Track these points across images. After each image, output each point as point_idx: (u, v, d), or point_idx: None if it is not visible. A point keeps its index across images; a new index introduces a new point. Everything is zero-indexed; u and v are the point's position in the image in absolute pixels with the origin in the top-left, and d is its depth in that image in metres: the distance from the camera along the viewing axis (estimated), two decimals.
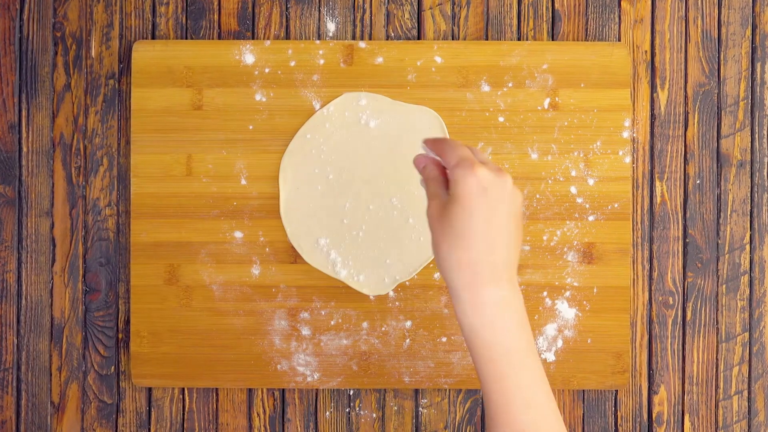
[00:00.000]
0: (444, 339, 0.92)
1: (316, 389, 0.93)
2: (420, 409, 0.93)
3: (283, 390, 0.93)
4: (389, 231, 0.92)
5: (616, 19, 0.94)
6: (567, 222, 0.92)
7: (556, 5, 0.94)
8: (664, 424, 0.93)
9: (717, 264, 0.94)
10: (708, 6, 0.94)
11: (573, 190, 0.92)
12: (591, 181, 0.92)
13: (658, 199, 0.94)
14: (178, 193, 0.92)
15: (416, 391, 0.93)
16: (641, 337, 0.93)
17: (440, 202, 0.68)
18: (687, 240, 0.94)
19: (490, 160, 0.70)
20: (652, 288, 0.93)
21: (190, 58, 0.91)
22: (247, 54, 0.92)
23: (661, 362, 0.93)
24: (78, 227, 0.93)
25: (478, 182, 0.66)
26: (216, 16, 0.94)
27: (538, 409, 0.67)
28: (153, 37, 0.93)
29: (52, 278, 0.93)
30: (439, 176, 0.70)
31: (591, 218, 0.92)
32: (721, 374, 0.93)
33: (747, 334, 0.93)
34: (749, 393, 0.93)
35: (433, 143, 0.71)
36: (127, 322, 0.93)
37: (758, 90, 0.94)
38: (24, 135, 0.93)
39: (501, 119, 0.92)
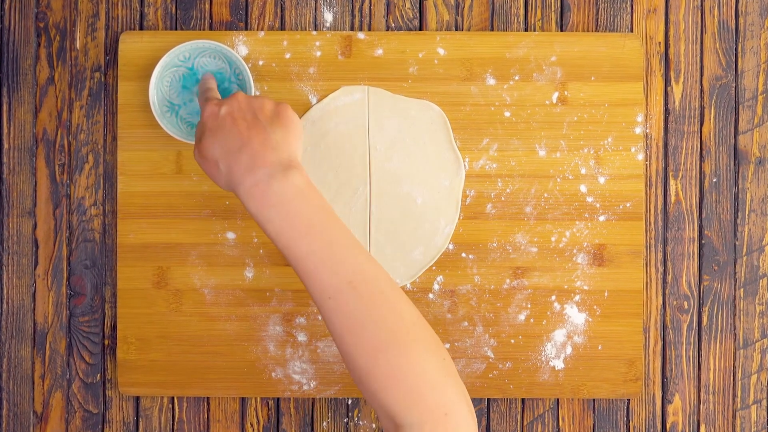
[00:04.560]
0: (447, 345, 0.91)
1: (313, 398, 0.92)
2: None
3: (278, 399, 0.92)
4: (389, 232, 0.91)
5: (628, 9, 0.93)
6: (576, 222, 0.91)
7: None
8: None
9: (734, 266, 0.93)
10: None
11: (583, 188, 0.91)
12: (602, 180, 0.91)
13: (673, 199, 0.92)
14: (168, 192, 0.91)
15: None
16: (655, 343, 0.92)
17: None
18: (703, 241, 0.93)
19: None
20: (666, 292, 0.93)
21: None
22: (240, 45, 0.91)
23: (676, 370, 0.92)
24: (62, 228, 0.92)
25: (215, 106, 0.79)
26: (207, 6, 0.93)
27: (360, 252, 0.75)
28: (141, 28, 0.93)
29: (35, 281, 0.92)
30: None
31: (602, 218, 0.91)
32: (739, 382, 0.93)
33: (766, 341, 0.93)
34: None
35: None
36: (114, 327, 0.92)
37: None
38: (5, 131, 0.92)
39: (507, 114, 0.91)
